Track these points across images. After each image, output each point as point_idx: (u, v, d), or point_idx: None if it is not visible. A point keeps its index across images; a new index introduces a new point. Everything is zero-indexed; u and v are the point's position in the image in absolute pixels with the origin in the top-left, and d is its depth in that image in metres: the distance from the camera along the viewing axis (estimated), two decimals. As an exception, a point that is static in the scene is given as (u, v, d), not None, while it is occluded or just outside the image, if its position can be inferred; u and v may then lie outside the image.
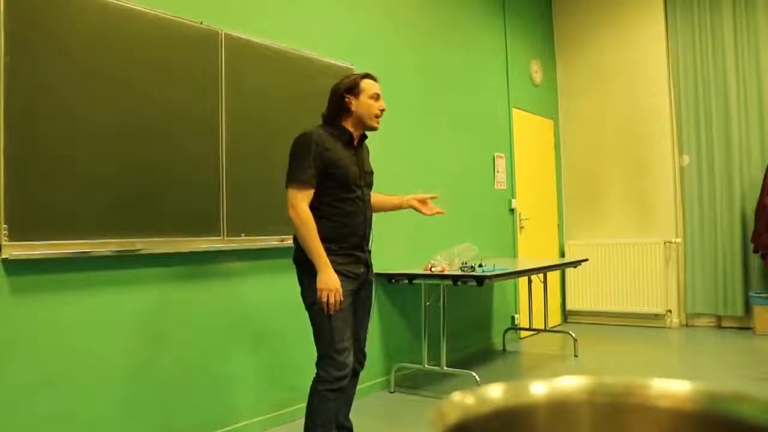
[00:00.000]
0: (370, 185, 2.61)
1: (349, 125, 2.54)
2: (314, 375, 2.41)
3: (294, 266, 2.51)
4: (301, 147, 2.42)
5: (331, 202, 2.44)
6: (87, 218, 2.53)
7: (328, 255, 2.39)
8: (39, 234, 2.38)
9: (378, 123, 2.58)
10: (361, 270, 2.55)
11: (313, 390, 2.40)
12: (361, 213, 2.52)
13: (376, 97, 2.55)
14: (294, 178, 2.39)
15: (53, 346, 2.45)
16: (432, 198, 2.78)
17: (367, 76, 2.57)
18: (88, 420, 2.54)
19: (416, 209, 2.77)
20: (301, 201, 2.37)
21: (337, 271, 2.39)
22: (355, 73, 2.67)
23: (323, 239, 2.39)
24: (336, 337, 2.38)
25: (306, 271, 2.44)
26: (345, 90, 2.53)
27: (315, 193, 2.42)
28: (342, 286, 2.39)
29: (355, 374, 2.59)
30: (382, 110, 2.58)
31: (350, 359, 2.42)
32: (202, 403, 2.97)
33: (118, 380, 2.65)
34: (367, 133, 2.62)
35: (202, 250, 2.98)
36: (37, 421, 2.38)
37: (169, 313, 2.86)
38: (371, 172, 2.66)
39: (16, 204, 2.32)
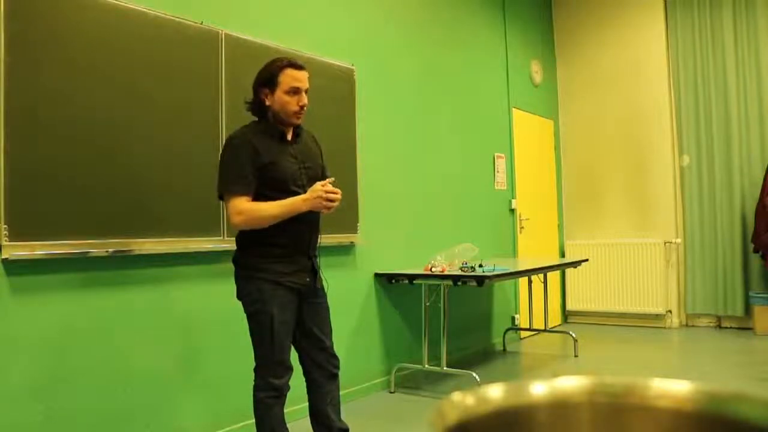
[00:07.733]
0: (314, 180, 2.32)
1: (273, 120, 2.29)
2: (253, 383, 2.29)
3: (234, 267, 2.35)
4: (232, 154, 2.22)
5: None
6: (87, 218, 2.53)
7: (270, 262, 2.26)
8: (39, 234, 2.38)
9: (298, 119, 2.29)
10: (306, 279, 2.34)
11: (255, 399, 2.28)
12: (304, 215, 2.27)
13: (294, 91, 2.24)
14: (231, 189, 2.21)
15: (53, 346, 2.45)
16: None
17: (289, 65, 2.24)
18: (89, 420, 2.54)
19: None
20: (242, 206, 2.21)
21: (275, 282, 2.25)
22: (280, 59, 2.30)
23: (263, 245, 2.25)
24: (276, 348, 2.25)
25: (242, 275, 2.29)
26: (260, 83, 2.27)
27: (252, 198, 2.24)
28: (281, 297, 2.25)
29: (333, 377, 2.46)
30: (302, 106, 2.27)
31: (289, 367, 2.30)
32: (204, 404, 2.97)
33: (120, 380, 2.65)
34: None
35: (202, 250, 2.98)
36: (38, 421, 2.38)
37: (170, 314, 2.86)
38: (315, 166, 2.41)
39: (17, 204, 2.32)
